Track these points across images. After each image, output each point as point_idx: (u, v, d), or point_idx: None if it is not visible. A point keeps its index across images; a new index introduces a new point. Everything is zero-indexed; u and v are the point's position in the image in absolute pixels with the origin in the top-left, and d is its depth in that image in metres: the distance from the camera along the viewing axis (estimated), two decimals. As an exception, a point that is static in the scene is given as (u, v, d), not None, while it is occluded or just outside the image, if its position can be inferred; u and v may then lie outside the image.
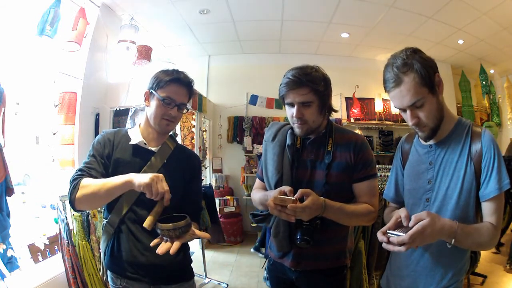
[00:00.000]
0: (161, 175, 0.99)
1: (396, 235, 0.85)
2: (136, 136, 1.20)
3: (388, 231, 0.88)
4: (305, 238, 1.06)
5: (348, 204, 1.14)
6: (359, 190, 1.19)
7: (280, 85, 1.17)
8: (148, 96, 1.21)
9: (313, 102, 1.14)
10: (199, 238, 1.08)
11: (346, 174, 1.18)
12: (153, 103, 1.18)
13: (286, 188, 1.06)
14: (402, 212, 0.91)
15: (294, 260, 1.21)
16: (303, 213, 1.00)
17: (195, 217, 1.22)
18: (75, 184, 1.04)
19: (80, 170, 1.10)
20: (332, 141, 1.20)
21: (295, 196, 1.01)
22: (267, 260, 1.39)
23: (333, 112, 1.25)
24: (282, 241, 1.21)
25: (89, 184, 1.02)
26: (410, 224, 0.85)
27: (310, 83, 1.11)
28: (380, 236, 0.89)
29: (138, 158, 1.18)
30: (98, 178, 1.07)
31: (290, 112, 1.17)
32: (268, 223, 1.24)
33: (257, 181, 1.38)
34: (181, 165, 1.24)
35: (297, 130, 1.19)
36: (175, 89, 1.16)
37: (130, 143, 1.18)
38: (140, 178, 0.97)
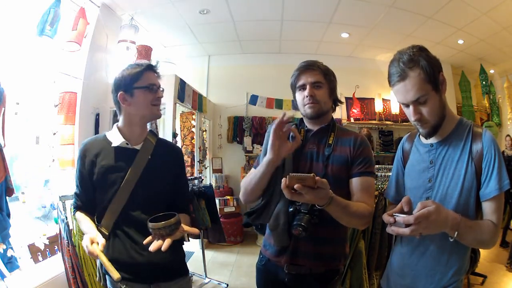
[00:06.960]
0: (93, 237, 1.05)
1: (402, 216, 0.86)
2: (116, 138, 1.19)
3: (394, 214, 0.89)
4: (302, 224, 1.03)
5: (351, 203, 1.09)
6: (355, 186, 1.16)
7: (292, 76, 1.25)
8: (124, 97, 1.17)
9: (324, 84, 1.22)
10: (187, 233, 1.10)
11: (345, 168, 1.17)
12: (137, 96, 1.16)
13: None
14: (404, 199, 0.91)
15: (291, 256, 1.18)
16: (314, 193, 0.91)
17: (185, 208, 1.28)
18: (74, 212, 1.26)
19: (74, 197, 1.27)
20: (334, 135, 1.22)
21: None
22: (258, 259, 1.34)
23: (339, 104, 1.30)
24: (281, 233, 1.16)
25: (79, 220, 1.22)
26: (416, 210, 0.85)
27: (320, 67, 1.23)
28: (386, 217, 0.89)
29: (122, 160, 1.18)
30: (88, 207, 1.23)
31: (301, 96, 1.23)
32: (265, 219, 1.20)
33: (252, 170, 1.31)
34: (166, 159, 1.26)
35: (308, 111, 1.22)
36: (150, 76, 1.20)
37: (112, 146, 1.18)
38: (84, 239, 1.06)
